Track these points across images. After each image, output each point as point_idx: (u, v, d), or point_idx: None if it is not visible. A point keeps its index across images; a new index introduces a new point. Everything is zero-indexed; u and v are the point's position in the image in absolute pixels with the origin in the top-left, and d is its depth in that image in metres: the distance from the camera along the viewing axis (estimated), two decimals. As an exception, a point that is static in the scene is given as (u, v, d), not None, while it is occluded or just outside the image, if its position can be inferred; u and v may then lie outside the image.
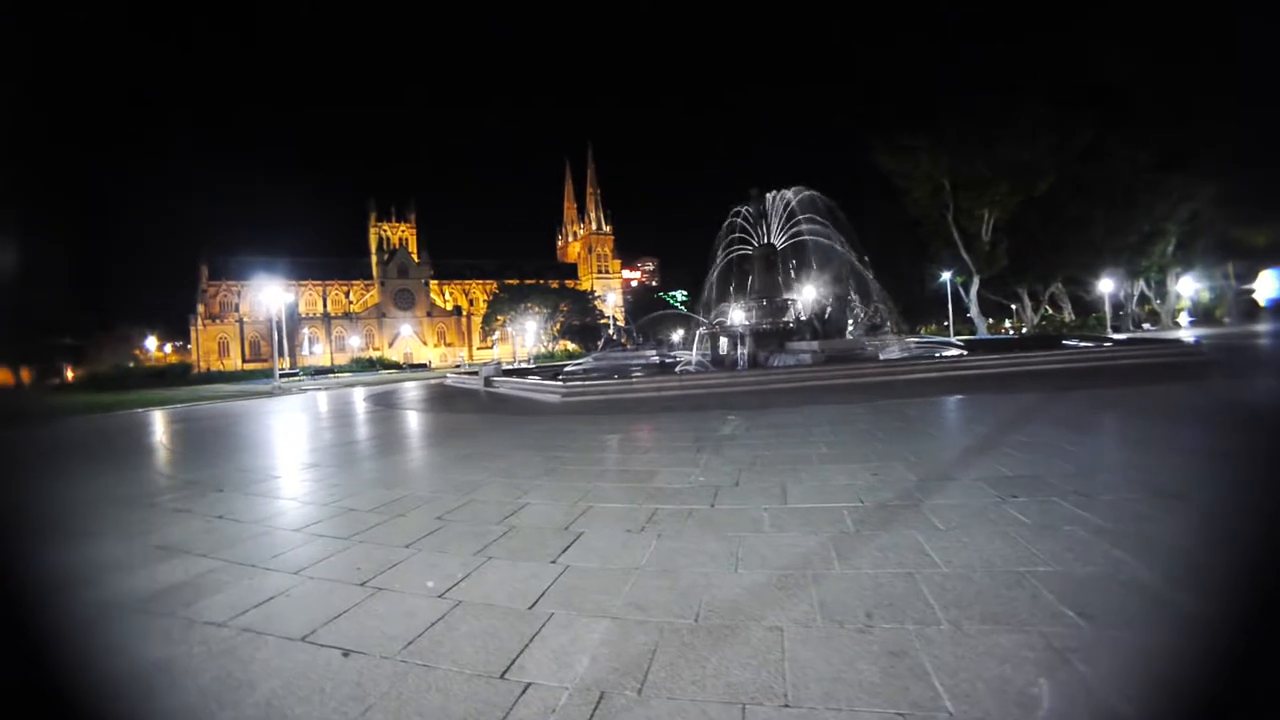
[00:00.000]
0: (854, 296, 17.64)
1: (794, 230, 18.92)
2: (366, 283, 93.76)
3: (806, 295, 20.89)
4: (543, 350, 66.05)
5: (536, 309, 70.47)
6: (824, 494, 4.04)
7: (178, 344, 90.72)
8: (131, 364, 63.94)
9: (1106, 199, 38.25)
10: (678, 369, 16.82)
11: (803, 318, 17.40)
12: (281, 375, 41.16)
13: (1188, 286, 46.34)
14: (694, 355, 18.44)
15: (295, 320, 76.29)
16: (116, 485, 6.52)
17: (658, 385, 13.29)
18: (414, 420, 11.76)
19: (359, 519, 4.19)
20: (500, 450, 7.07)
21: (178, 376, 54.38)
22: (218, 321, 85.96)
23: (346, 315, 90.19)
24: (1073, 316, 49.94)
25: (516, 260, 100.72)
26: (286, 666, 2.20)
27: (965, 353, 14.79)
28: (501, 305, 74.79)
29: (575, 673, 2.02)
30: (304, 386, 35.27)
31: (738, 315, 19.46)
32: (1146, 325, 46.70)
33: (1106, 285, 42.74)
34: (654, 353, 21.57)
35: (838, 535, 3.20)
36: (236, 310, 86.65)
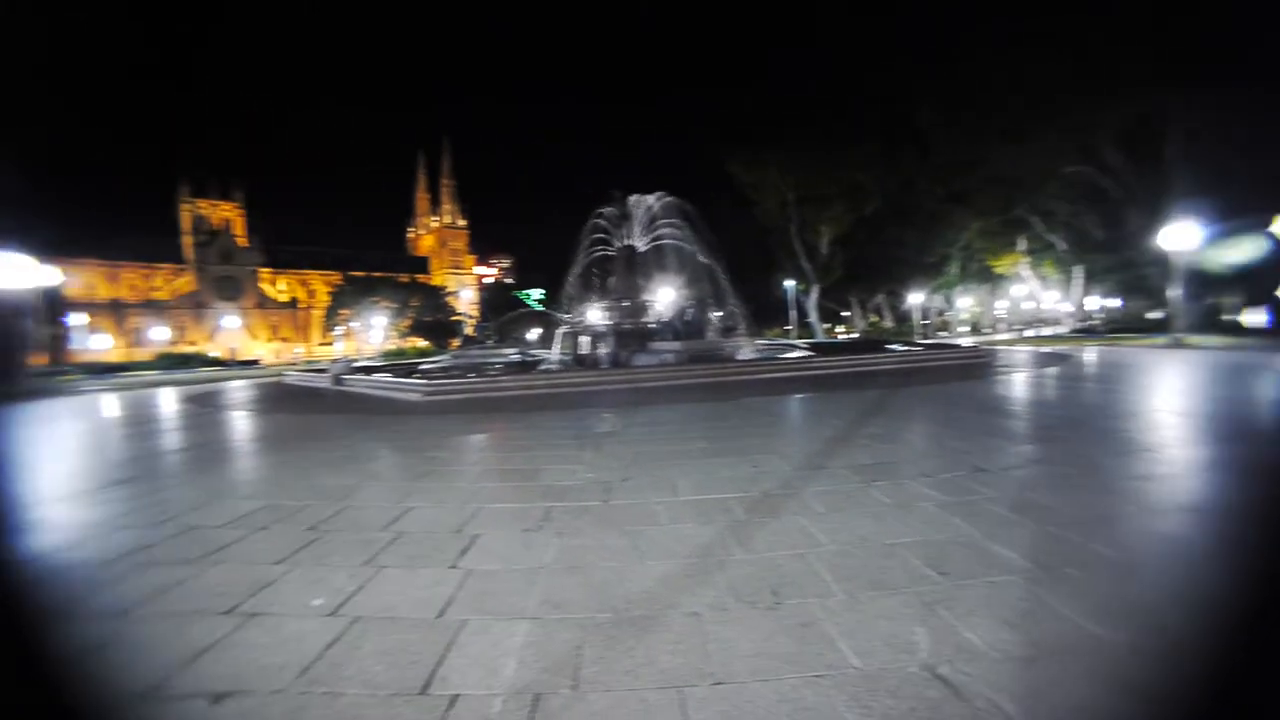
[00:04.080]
0: (710, 300, 18.65)
1: (655, 234, 19.47)
2: (176, 267, 79.48)
3: (666, 297, 21.69)
4: (391, 347, 61.05)
5: (385, 303, 64.82)
6: (711, 486, 4.28)
7: None
8: None
9: (916, 224, 44.82)
10: (541, 367, 16.65)
11: (663, 319, 17.77)
12: (39, 374, 33.88)
13: (966, 302, 56.43)
14: (555, 354, 18.23)
15: (58, 304, 61.51)
16: None
17: (525, 383, 13.06)
18: (255, 423, 10.36)
19: (207, 538, 3.62)
20: (367, 452, 6.53)
21: None
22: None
23: (149, 303, 76.10)
24: (892, 324, 57.66)
25: (361, 252, 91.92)
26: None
27: (811, 354, 16.42)
28: (346, 298, 68.05)
29: (503, 678, 1.96)
30: (81, 387, 28.11)
31: (596, 315, 19.70)
32: (942, 333, 55.32)
33: (916, 298, 49.98)
34: (514, 351, 21.19)
35: (732, 524, 3.43)
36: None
